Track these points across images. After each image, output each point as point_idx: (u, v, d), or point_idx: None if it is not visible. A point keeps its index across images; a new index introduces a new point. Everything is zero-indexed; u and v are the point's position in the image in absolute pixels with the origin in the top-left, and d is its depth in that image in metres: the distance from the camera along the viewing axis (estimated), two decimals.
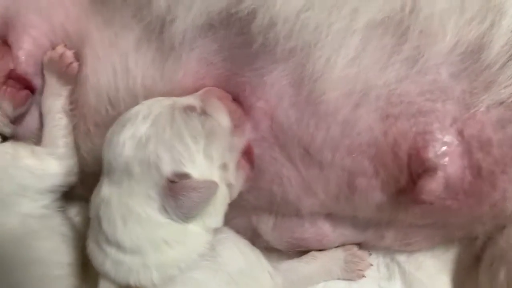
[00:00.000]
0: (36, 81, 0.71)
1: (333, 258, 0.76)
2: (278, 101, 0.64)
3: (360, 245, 0.77)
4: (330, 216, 0.72)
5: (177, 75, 0.67)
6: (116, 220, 0.59)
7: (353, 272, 0.77)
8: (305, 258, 0.76)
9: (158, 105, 0.61)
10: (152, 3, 0.64)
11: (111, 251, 0.60)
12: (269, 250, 0.74)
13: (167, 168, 0.58)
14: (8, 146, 0.68)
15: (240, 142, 0.64)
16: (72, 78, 0.70)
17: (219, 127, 0.62)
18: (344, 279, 0.77)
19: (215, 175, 0.60)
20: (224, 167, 0.62)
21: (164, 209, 0.58)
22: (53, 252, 0.67)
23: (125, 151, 0.59)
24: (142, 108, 0.61)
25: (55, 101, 0.70)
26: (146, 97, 0.67)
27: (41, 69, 0.71)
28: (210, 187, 0.59)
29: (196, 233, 0.60)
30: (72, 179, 0.70)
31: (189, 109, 0.61)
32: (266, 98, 0.64)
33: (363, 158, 0.64)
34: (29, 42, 0.70)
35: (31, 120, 0.73)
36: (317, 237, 0.73)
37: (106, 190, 0.60)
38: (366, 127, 0.62)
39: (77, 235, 0.70)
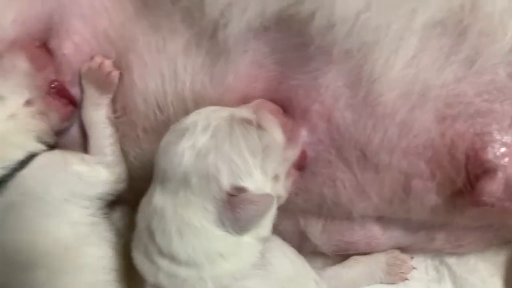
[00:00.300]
0: (75, 91, 0.71)
1: (376, 262, 0.75)
2: (334, 103, 0.63)
3: (407, 248, 0.76)
4: (381, 219, 0.71)
5: (227, 79, 0.66)
6: (171, 233, 0.58)
7: (396, 275, 0.76)
8: (348, 262, 0.75)
9: (216, 116, 0.60)
10: (205, 7, 0.63)
11: (164, 263, 0.59)
12: (315, 255, 0.74)
13: (226, 181, 0.58)
14: (57, 153, 0.67)
15: (292, 155, 0.64)
16: (111, 87, 0.69)
17: (274, 141, 0.61)
18: (387, 283, 0.76)
19: (268, 187, 0.60)
20: (275, 178, 0.62)
21: (221, 222, 0.58)
22: (101, 258, 0.66)
23: (184, 161, 0.58)
24: (200, 118, 0.60)
25: (97, 111, 0.70)
26: (195, 101, 0.67)
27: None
28: (267, 201, 0.59)
29: (250, 244, 0.60)
30: (121, 186, 0.69)
31: (247, 122, 0.61)
32: (321, 100, 0.63)
33: (419, 160, 0.63)
34: (70, 48, 0.70)
35: (71, 130, 0.72)
36: (366, 240, 0.72)
37: (159, 199, 0.60)
38: (423, 128, 0.62)
39: (121, 240, 0.69)
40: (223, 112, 0.61)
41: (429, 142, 0.62)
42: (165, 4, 0.66)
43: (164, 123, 0.67)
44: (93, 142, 0.69)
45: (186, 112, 0.67)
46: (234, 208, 0.57)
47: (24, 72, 0.66)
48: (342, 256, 0.75)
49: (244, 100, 0.65)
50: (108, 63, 0.69)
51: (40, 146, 0.66)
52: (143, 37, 0.68)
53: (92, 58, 0.69)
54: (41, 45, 0.69)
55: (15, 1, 0.68)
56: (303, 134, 0.64)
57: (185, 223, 0.58)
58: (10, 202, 0.63)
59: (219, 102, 0.66)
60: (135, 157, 0.71)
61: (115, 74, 0.69)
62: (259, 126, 0.61)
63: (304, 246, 0.71)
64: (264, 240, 0.62)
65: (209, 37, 0.66)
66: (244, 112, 0.62)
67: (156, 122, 0.68)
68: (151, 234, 0.59)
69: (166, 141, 0.61)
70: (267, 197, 0.59)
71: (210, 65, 0.67)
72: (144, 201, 0.62)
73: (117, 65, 0.69)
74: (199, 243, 0.58)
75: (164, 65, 0.67)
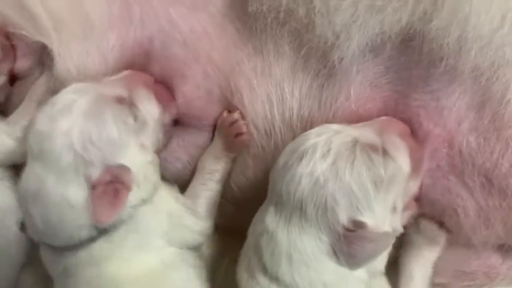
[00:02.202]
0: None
1: None
2: (457, 127, 0.59)
3: None
4: (501, 247, 0.66)
5: (337, 102, 0.63)
6: (281, 257, 0.56)
7: None
8: None
9: (338, 141, 0.57)
10: (316, 29, 0.61)
11: (265, 282, 0.58)
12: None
13: (344, 214, 0.55)
14: None
15: (414, 186, 0.60)
16: (238, 148, 0.67)
17: (400, 171, 0.57)
18: None
19: (388, 222, 0.57)
20: (393, 210, 0.58)
21: (334, 254, 0.56)
22: (188, 283, 0.65)
23: (301, 189, 0.56)
24: (320, 141, 0.57)
25: (214, 163, 0.68)
26: (303, 128, 0.64)
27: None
28: (386, 240, 0.56)
29: (359, 278, 0.57)
30: (204, 238, 0.68)
31: (371, 148, 0.57)
32: (444, 124, 0.60)
33: None
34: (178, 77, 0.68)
35: (178, 163, 0.71)
36: (484, 269, 0.68)
37: (272, 221, 0.58)
38: None
39: (206, 266, 0.69)
40: (346, 136, 0.58)
41: None
42: (271, 27, 0.64)
43: (272, 151, 0.65)
44: (192, 187, 0.68)
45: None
46: (351, 244, 0.55)
47: (157, 120, 0.65)
48: None
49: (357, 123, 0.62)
50: (241, 124, 0.66)
51: None
52: (249, 61, 0.66)
53: (230, 112, 0.67)
54: (158, 81, 0.67)
55: (116, 25, 0.68)
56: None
57: (297, 251, 0.56)
58: None
59: None
60: (236, 182, 0.69)
61: (244, 138, 0.67)
62: (385, 153, 0.57)
63: None
64: (375, 274, 0.59)
65: (318, 59, 0.63)
66: (369, 135, 0.59)
67: (263, 150, 0.67)
68: (258, 252, 0.58)
69: (283, 163, 0.58)
70: (386, 235, 0.56)
71: (319, 87, 0.64)
72: (256, 217, 0.61)
73: (224, 89, 0.67)
74: (307, 271, 0.56)
75: (271, 89, 0.65)
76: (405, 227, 0.61)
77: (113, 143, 0.59)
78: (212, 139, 0.69)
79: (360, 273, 0.57)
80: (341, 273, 0.56)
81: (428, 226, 0.64)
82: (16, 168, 0.68)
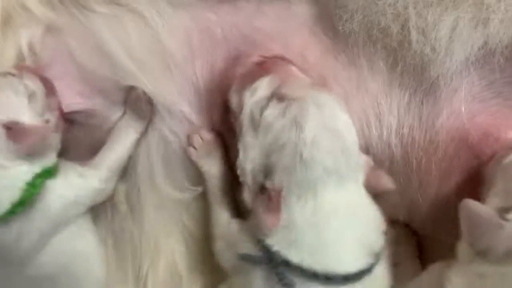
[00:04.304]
0: None
1: None
2: None
3: None
4: None
5: (439, 118, 0.61)
6: None
7: None
8: None
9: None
10: (412, 46, 0.60)
11: None
12: None
13: None
14: None
15: None
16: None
17: None
18: None
19: None
20: None
21: None
22: None
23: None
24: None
25: None
26: (403, 143, 0.63)
27: None
28: None
29: None
30: None
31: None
32: None
33: None
34: None
35: None
36: None
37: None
38: None
39: None
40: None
41: None
42: (364, 45, 0.63)
43: None
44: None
45: (391, 158, 0.64)
46: None
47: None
48: None
49: (463, 140, 0.61)
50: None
51: None
52: (344, 71, 0.64)
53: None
54: None
55: (198, 53, 0.67)
56: None
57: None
58: None
59: (431, 144, 0.62)
60: None
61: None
62: None
63: None
64: None
65: (415, 76, 0.62)
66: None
67: None
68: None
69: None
70: None
71: (418, 105, 0.62)
72: None
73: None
74: None
75: (367, 104, 0.64)
76: None
77: None
78: None
79: None
80: None
81: None
82: None
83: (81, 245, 0.66)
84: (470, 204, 0.52)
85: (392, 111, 0.63)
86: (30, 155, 0.60)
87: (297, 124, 0.55)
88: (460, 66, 0.60)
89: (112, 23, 0.66)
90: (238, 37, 0.66)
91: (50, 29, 0.67)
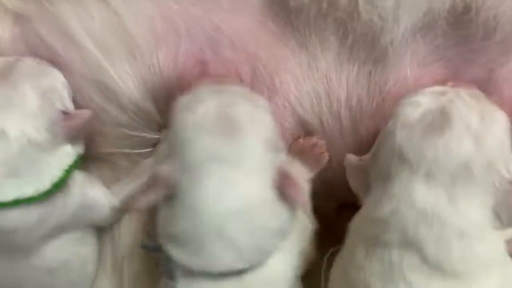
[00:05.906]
0: None
1: None
2: None
3: None
4: None
5: (386, 86, 0.63)
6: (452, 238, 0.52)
7: None
8: None
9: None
10: (361, 16, 0.61)
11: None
12: None
13: (504, 169, 0.53)
14: None
15: None
16: (319, 166, 0.66)
17: None
18: None
19: None
20: None
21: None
22: None
23: (463, 150, 0.54)
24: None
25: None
26: (352, 117, 0.64)
27: None
28: None
29: None
30: None
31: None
32: (499, 93, 0.59)
33: None
34: None
35: None
36: None
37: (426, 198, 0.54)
38: None
39: None
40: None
41: None
42: (314, 20, 0.64)
43: None
44: None
45: (341, 131, 0.63)
46: None
47: None
48: None
49: None
50: (321, 143, 0.66)
51: None
52: (294, 57, 0.66)
53: (304, 136, 0.66)
54: None
55: (163, 43, 0.69)
56: None
57: (469, 223, 0.51)
58: None
59: (378, 113, 0.62)
60: None
61: (326, 155, 0.65)
62: None
63: None
64: None
65: (363, 47, 0.63)
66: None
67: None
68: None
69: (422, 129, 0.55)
70: None
71: (365, 75, 0.64)
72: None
73: (271, 87, 0.66)
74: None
75: (318, 83, 0.65)
76: None
77: None
78: None
79: None
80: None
81: None
82: None
83: (84, 251, 0.67)
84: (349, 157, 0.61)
85: (341, 85, 0.64)
86: (75, 139, 0.62)
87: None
88: (406, 33, 0.61)
89: (78, 10, 0.68)
90: (200, 34, 0.68)
91: (19, 18, 0.69)
